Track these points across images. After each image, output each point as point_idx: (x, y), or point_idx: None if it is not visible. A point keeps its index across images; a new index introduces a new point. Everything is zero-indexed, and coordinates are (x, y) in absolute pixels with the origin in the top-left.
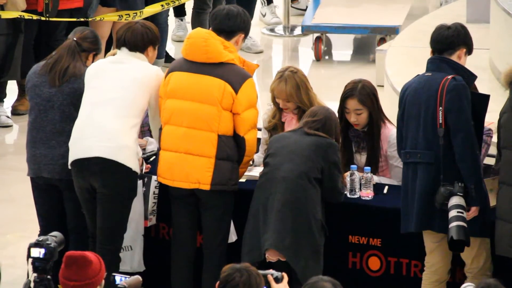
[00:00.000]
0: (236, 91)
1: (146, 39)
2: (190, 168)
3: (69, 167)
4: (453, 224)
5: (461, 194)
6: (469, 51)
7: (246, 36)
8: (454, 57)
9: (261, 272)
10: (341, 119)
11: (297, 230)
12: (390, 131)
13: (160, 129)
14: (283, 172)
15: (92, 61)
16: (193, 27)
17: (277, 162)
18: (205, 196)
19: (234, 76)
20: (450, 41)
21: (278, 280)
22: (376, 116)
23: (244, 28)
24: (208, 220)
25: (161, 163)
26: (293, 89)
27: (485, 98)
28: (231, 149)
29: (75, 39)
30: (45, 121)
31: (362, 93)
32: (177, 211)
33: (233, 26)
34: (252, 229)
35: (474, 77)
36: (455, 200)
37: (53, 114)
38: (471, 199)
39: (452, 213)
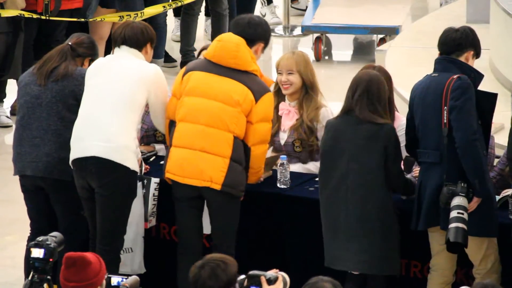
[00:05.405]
0: (256, 100)
1: (146, 35)
2: (205, 165)
3: (71, 166)
4: (452, 225)
5: (463, 194)
6: (477, 54)
7: (265, 46)
8: (461, 59)
9: (255, 272)
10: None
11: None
12: (400, 121)
13: (173, 125)
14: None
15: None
16: (181, 29)
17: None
18: (212, 196)
19: (257, 86)
20: (458, 43)
21: (270, 281)
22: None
23: (264, 37)
24: (215, 223)
25: (171, 160)
26: (300, 59)
27: (493, 97)
28: (243, 153)
29: (70, 43)
30: (32, 119)
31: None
32: (182, 214)
33: (253, 35)
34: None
35: (481, 76)
36: (456, 201)
37: (40, 111)
38: (475, 192)
39: (452, 214)
